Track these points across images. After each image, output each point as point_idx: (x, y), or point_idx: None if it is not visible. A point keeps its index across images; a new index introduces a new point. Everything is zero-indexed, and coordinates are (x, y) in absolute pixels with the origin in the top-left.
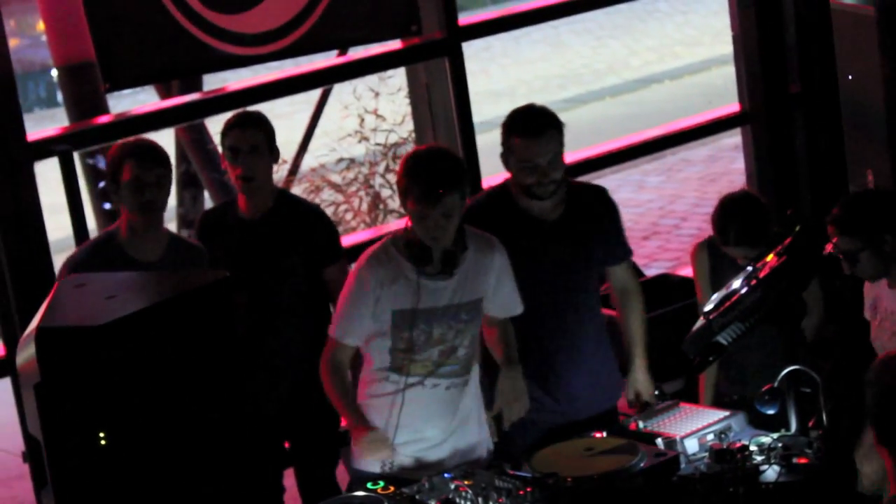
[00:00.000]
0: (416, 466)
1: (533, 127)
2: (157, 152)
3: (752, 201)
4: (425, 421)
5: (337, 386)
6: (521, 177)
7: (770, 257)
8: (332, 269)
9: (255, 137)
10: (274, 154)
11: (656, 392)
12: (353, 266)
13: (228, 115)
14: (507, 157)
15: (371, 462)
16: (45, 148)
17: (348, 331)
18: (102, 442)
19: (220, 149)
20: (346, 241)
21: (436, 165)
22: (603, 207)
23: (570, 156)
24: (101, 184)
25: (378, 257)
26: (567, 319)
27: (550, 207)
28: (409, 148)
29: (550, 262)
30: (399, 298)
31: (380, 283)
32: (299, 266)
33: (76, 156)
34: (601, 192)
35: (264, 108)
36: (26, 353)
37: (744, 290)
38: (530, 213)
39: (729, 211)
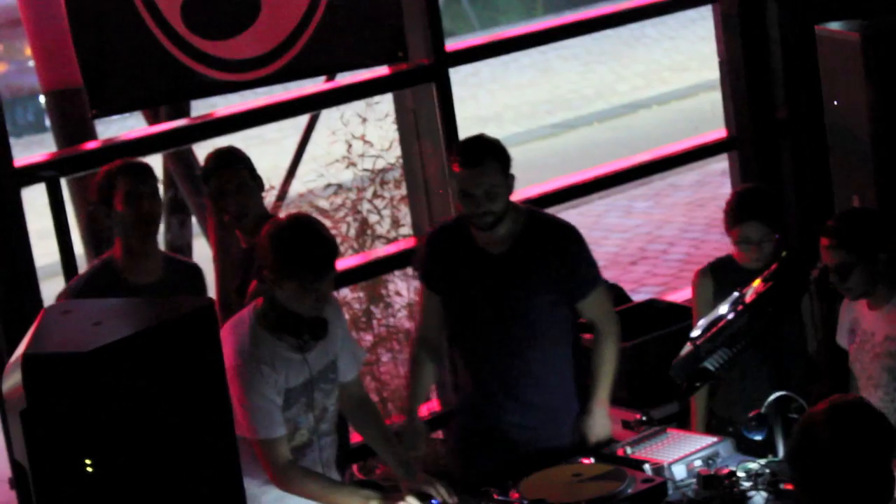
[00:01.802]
0: None
1: (470, 157)
2: (147, 166)
3: (768, 189)
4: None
5: (311, 480)
6: (462, 206)
7: (757, 283)
8: None
9: (238, 175)
10: (258, 183)
11: (643, 420)
12: (229, 360)
13: (217, 140)
14: (453, 188)
15: None
16: (31, 174)
17: (274, 422)
18: (89, 469)
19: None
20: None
21: (318, 239)
22: (563, 242)
23: (558, 181)
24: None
25: (256, 343)
26: (512, 350)
27: (497, 240)
28: (398, 174)
29: (492, 295)
30: (287, 377)
31: (272, 366)
32: None
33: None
34: (563, 227)
35: (252, 133)
36: (12, 380)
37: (730, 316)
38: (478, 243)
39: (745, 190)
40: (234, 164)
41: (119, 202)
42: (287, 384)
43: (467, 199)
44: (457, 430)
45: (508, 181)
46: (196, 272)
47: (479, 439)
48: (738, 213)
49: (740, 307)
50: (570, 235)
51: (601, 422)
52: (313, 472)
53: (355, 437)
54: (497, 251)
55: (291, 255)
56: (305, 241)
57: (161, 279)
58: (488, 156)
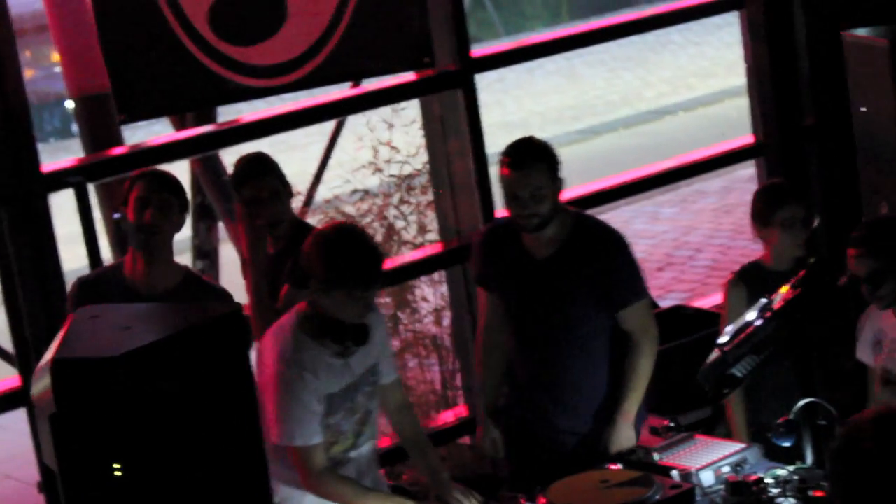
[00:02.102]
0: None
1: (518, 159)
2: (167, 177)
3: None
4: None
5: (348, 488)
6: (508, 208)
7: (785, 289)
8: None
9: (272, 183)
10: (288, 189)
11: (671, 426)
12: (271, 366)
13: (243, 146)
14: (502, 189)
15: None
16: (59, 179)
17: (312, 430)
18: (117, 473)
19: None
20: None
21: (367, 249)
22: (607, 250)
23: (584, 188)
24: (116, 215)
25: (299, 349)
26: (555, 354)
27: (543, 243)
28: (424, 180)
29: (534, 299)
30: (329, 383)
31: (314, 372)
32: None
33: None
34: (609, 234)
35: (278, 139)
36: (42, 384)
37: (758, 323)
38: (525, 246)
39: (770, 183)
40: (268, 173)
41: (130, 207)
42: (329, 390)
43: (514, 201)
44: (503, 427)
45: (556, 184)
46: (219, 296)
47: (522, 440)
48: (775, 199)
49: (768, 314)
50: (616, 243)
51: (625, 434)
52: (347, 477)
53: (381, 442)
54: (542, 255)
55: (341, 266)
56: (354, 251)
57: (170, 291)
58: (536, 158)
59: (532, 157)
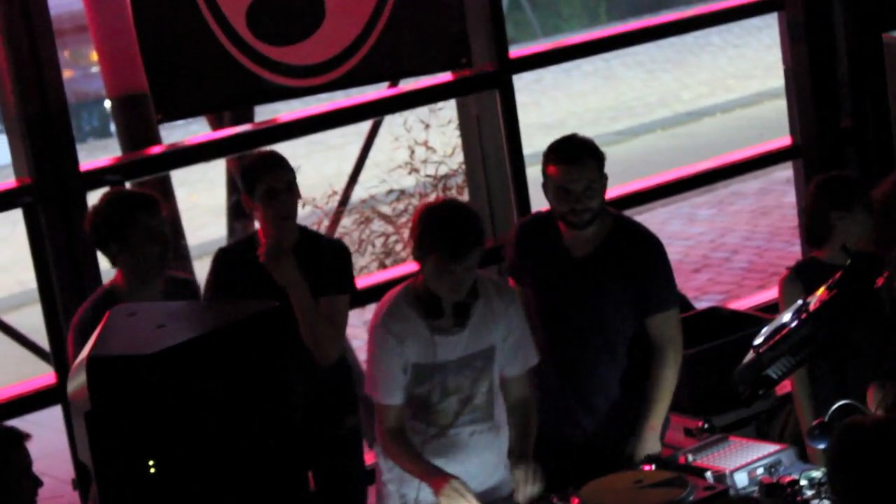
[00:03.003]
0: None
1: (569, 154)
2: (156, 201)
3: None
4: (449, 469)
5: (404, 450)
6: (557, 204)
7: (821, 291)
8: (332, 299)
9: (289, 176)
10: (297, 190)
11: (705, 428)
12: (371, 322)
13: (280, 145)
14: (546, 186)
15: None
16: (97, 178)
17: (391, 391)
18: (152, 470)
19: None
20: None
21: (461, 221)
22: (646, 253)
23: (621, 188)
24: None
25: (392, 313)
26: (587, 354)
27: (583, 241)
28: (460, 180)
29: (568, 298)
30: (415, 353)
31: (399, 338)
32: (316, 299)
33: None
34: (647, 237)
35: (315, 139)
36: (77, 382)
37: (794, 324)
38: (563, 244)
39: (829, 176)
40: (285, 166)
41: (136, 236)
42: (415, 360)
43: (565, 196)
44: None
45: (603, 180)
46: (194, 287)
47: (547, 439)
48: (852, 190)
49: (804, 315)
50: (654, 246)
51: (651, 445)
52: (412, 445)
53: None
54: (580, 254)
55: (433, 232)
56: (449, 220)
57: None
58: (586, 153)
59: (583, 152)
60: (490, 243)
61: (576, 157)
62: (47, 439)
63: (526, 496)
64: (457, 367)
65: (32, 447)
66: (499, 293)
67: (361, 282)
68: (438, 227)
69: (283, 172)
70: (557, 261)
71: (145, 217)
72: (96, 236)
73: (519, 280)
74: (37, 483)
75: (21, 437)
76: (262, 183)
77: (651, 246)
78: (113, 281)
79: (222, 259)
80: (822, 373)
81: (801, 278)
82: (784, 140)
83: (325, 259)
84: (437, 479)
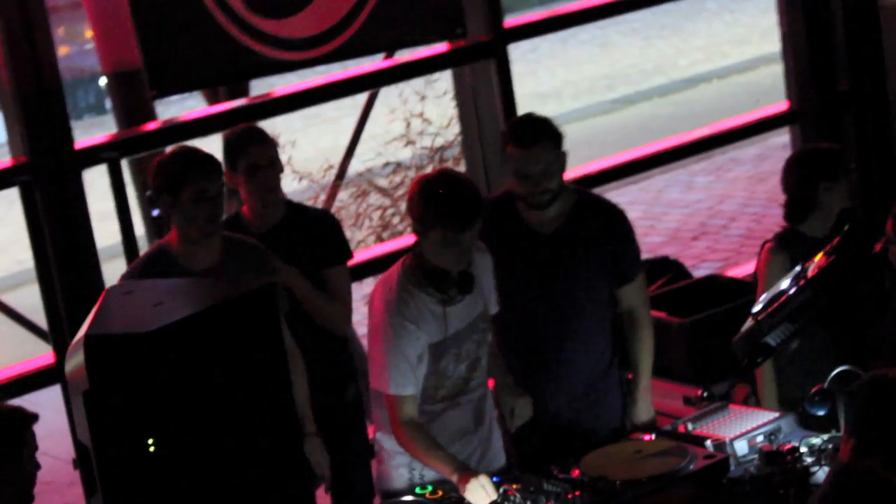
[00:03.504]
0: (449, 483)
1: (526, 137)
2: (216, 162)
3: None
4: (458, 439)
5: (421, 443)
6: (517, 186)
7: (819, 257)
8: (332, 271)
9: (272, 150)
10: (280, 164)
11: (704, 396)
12: (377, 314)
13: (276, 119)
14: (506, 167)
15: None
16: (93, 155)
17: (406, 381)
18: (151, 449)
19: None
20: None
21: (462, 194)
22: (610, 225)
23: (618, 157)
24: (148, 192)
25: (402, 300)
26: (557, 331)
27: (548, 220)
28: (456, 152)
29: (539, 275)
30: (430, 332)
31: (416, 322)
32: (311, 273)
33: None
34: (611, 210)
35: (311, 112)
36: (75, 361)
37: (792, 291)
38: (528, 222)
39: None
40: (267, 139)
41: (187, 198)
42: (433, 339)
43: (524, 180)
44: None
45: (562, 158)
46: (258, 252)
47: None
48: (836, 159)
49: (802, 282)
50: (619, 218)
51: (645, 408)
52: (424, 433)
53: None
54: (546, 231)
55: (437, 204)
56: (452, 191)
57: (219, 263)
58: (542, 134)
59: (539, 134)
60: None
61: (532, 140)
62: (47, 419)
63: (518, 421)
64: (466, 334)
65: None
66: (477, 251)
67: (359, 255)
68: (442, 200)
69: (265, 147)
70: (523, 239)
71: (198, 178)
72: (154, 187)
73: None
74: (37, 466)
75: (32, 418)
76: (244, 157)
77: (616, 217)
78: (168, 239)
79: None
80: (819, 339)
81: (786, 249)
82: (781, 105)
83: (316, 231)
84: (464, 475)
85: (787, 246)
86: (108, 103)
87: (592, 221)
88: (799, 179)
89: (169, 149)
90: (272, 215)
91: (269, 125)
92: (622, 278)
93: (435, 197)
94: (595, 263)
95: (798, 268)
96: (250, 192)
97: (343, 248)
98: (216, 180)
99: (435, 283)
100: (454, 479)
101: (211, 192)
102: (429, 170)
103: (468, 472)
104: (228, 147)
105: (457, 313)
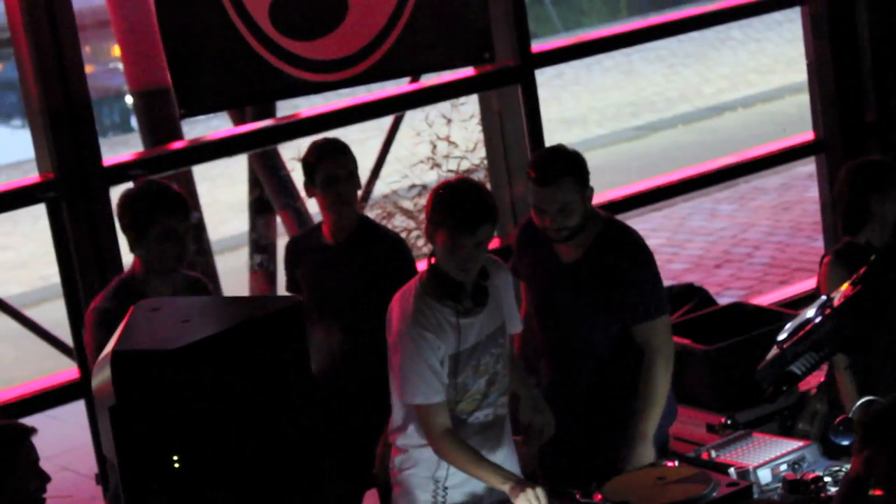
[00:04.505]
0: (471, 502)
1: (544, 175)
2: (184, 201)
3: None
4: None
5: (467, 455)
6: (537, 219)
7: (845, 286)
8: None
9: (351, 163)
10: (358, 179)
11: (728, 424)
12: (396, 326)
13: (302, 140)
14: (526, 196)
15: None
16: (120, 173)
17: (435, 387)
18: (176, 465)
19: (292, 174)
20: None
21: (469, 196)
22: (629, 263)
23: (642, 184)
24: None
25: (419, 311)
26: (566, 362)
27: (572, 247)
28: (482, 175)
29: (555, 304)
30: (448, 343)
31: (435, 331)
32: (378, 290)
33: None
34: (632, 248)
35: (336, 134)
36: (101, 377)
37: (818, 320)
38: (555, 248)
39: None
40: (347, 153)
41: (154, 235)
42: (451, 350)
43: (541, 215)
44: None
45: (585, 195)
46: (203, 286)
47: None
48: (886, 171)
49: (827, 311)
50: (639, 257)
51: (643, 453)
52: (465, 443)
53: None
54: (568, 259)
55: (444, 204)
56: (458, 194)
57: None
58: (563, 173)
59: (558, 171)
60: (512, 238)
61: (551, 179)
62: (68, 434)
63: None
64: (484, 347)
65: (54, 442)
66: (496, 267)
67: None
68: (450, 199)
69: (344, 160)
70: (548, 264)
71: (166, 217)
72: (120, 221)
73: (517, 277)
74: (44, 478)
75: (26, 432)
76: (322, 169)
77: (635, 255)
78: (131, 269)
79: (292, 248)
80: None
81: (844, 261)
82: (807, 135)
83: (388, 251)
84: (517, 486)
85: (846, 257)
86: (134, 121)
87: (611, 257)
88: (850, 190)
89: (132, 184)
90: (348, 228)
91: (295, 146)
92: (635, 317)
93: (444, 198)
94: (608, 299)
95: (824, 297)
96: (325, 205)
97: (410, 275)
98: (184, 219)
99: (449, 292)
100: (506, 488)
101: (179, 231)
102: None
103: (522, 483)
104: (307, 159)
105: (473, 326)
